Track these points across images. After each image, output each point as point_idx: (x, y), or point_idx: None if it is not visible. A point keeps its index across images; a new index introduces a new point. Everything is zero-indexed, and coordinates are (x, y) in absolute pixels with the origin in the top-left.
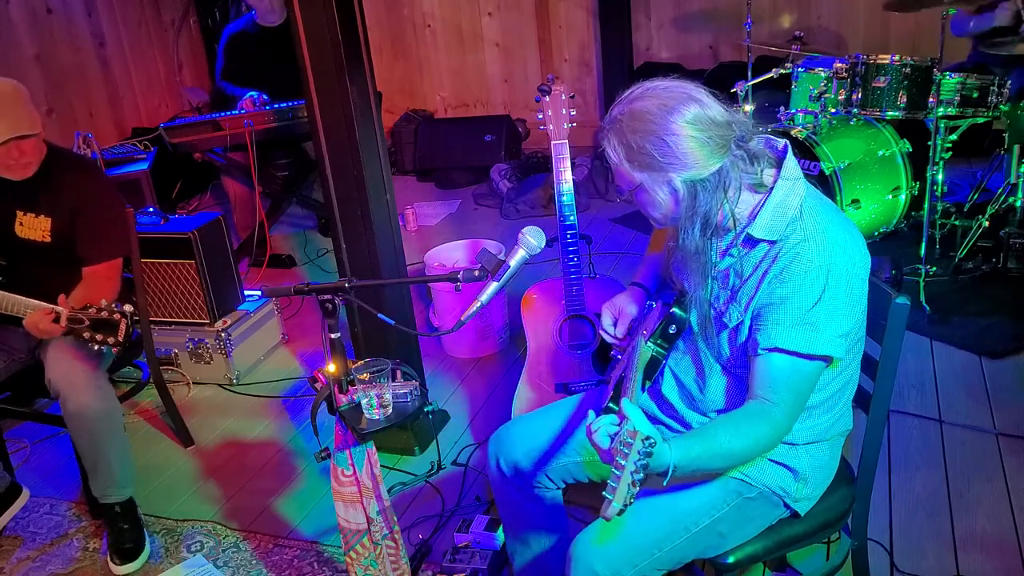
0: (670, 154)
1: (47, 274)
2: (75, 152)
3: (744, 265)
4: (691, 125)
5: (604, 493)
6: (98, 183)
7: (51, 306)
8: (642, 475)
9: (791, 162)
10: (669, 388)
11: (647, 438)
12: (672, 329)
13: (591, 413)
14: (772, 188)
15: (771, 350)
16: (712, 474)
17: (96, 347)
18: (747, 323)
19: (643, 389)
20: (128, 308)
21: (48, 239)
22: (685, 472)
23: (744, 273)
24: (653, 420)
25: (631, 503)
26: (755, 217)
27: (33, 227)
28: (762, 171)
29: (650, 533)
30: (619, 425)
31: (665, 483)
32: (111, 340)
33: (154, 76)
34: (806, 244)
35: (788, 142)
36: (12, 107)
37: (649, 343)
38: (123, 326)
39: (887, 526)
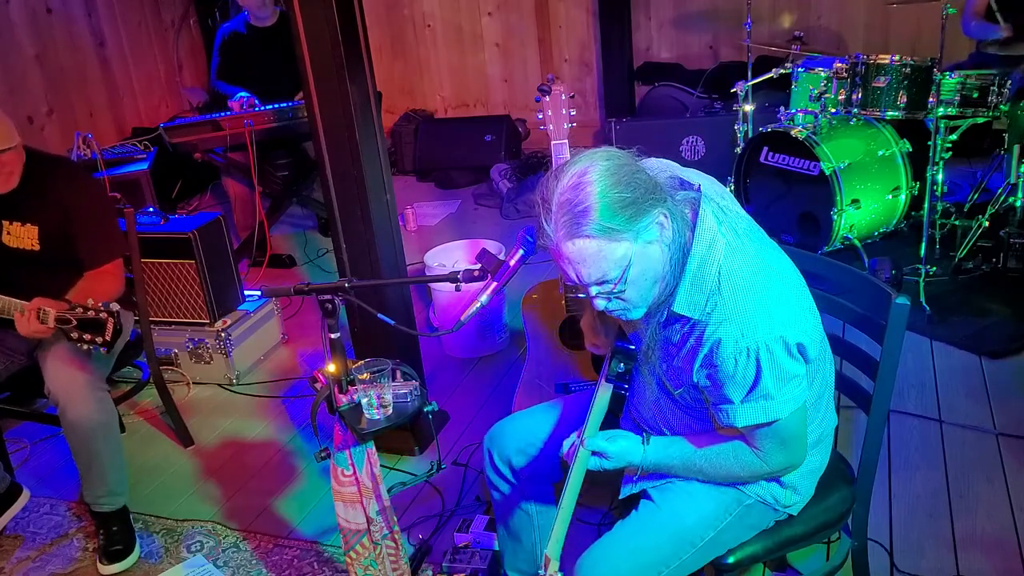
0: (644, 184)
1: (40, 279)
2: (54, 154)
3: (671, 334)
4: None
5: None
6: (83, 182)
7: (38, 305)
8: None
9: (706, 217)
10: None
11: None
12: (621, 367)
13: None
14: (688, 252)
15: (733, 427)
16: (711, 484)
17: (85, 347)
18: (689, 390)
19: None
20: (115, 307)
21: (37, 247)
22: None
23: (673, 341)
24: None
25: None
26: (675, 292)
27: (20, 236)
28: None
29: (657, 550)
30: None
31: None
32: (99, 340)
33: (154, 76)
34: (726, 327)
35: (701, 185)
36: None
37: (607, 382)
38: (110, 325)
39: (887, 526)
